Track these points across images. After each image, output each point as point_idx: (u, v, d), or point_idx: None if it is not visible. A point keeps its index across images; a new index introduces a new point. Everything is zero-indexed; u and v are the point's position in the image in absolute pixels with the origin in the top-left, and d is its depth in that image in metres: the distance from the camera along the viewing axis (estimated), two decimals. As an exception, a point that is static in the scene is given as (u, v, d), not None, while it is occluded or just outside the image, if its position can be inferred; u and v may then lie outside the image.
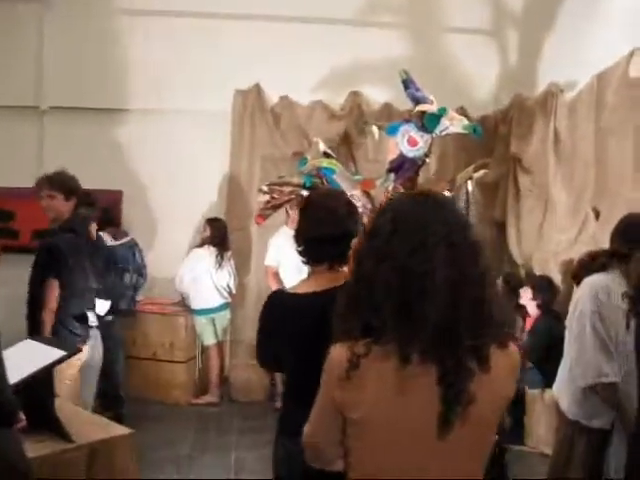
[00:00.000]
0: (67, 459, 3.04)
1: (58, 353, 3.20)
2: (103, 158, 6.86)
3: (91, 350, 4.57)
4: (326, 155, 5.09)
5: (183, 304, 6.58)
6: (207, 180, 6.98)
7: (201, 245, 6.41)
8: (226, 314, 6.59)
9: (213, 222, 6.46)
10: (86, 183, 6.67)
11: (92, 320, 4.57)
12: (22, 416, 2.61)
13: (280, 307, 2.61)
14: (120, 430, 3.32)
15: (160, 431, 5.70)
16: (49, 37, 6.90)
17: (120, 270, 5.83)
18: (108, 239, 5.89)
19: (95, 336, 4.64)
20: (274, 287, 5.40)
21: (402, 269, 1.62)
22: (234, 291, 6.59)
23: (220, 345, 6.64)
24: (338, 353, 1.66)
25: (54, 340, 3.64)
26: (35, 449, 2.99)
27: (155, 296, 6.74)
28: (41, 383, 3.14)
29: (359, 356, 1.61)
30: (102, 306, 5.04)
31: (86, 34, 6.90)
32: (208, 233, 6.39)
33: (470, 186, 5.00)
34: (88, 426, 3.32)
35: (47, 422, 3.17)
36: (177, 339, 6.48)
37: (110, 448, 3.19)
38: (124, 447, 3.25)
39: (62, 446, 3.05)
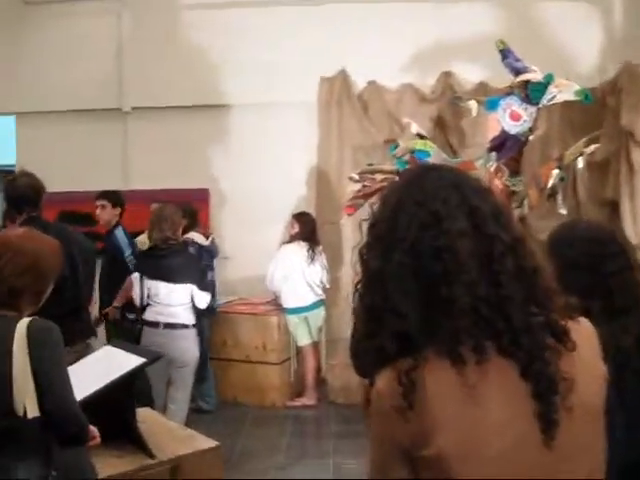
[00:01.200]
0: (148, 476, 2.80)
1: (137, 360, 2.97)
2: (188, 156, 6.74)
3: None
4: (419, 137, 4.70)
5: (275, 303, 6.33)
6: (295, 173, 6.72)
7: (290, 241, 6.14)
8: (320, 312, 6.29)
9: (300, 217, 6.19)
10: (172, 182, 6.63)
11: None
12: (95, 432, 2.38)
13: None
14: (205, 443, 3.06)
15: (256, 436, 5.53)
16: (128, 36, 6.83)
17: (204, 268, 5.68)
18: (200, 239, 5.78)
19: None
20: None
21: (415, 251, 1.26)
22: (328, 286, 6.28)
23: (315, 345, 6.35)
24: (383, 382, 1.26)
25: (134, 347, 3.43)
26: (114, 465, 2.78)
27: (246, 295, 6.52)
28: (121, 393, 2.92)
29: (408, 371, 1.22)
30: (203, 298, 4.97)
31: (165, 31, 6.79)
32: (296, 229, 6.13)
33: (581, 163, 4.49)
34: (171, 439, 3.09)
35: (127, 435, 2.96)
36: (270, 340, 6.23)
37: (195, 463, 2.94)
38: (209, 461, 3.00)
39: (143, 462, 2.83)
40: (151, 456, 2.85)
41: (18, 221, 3.92)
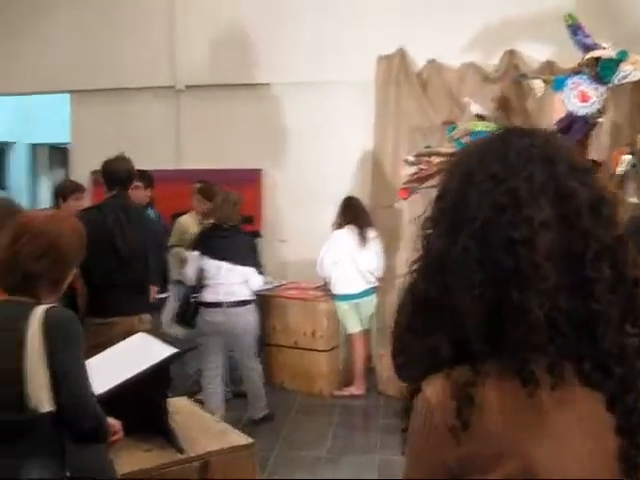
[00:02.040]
0: (177, 472, 2.66)
1: (170, 351, 2.82)
2: (241, 136, 6.60)
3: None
4: (480, 118, 4.42)
5: (325, 289, 6.14)
6: (350, 155, 6.52)
7: (340, 226, 5.93)
8: (372, 300, 6.07)
9: (347, 201, 5.96)
10: (224, 162, 6.51)
11: None
12: (117, 427, 2.23)
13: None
14: (239, 439, 2.90)
15: (301, 424, 5.41)
16: (181, 14, 6.69)
17: None
18: None
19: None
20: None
21: (484, 236, 1.01)
22: (380, 274, 6.06)
23: (366, 333, 6.14)
24: (434, 392, 1.04)
25: (167, 335, 3.30)
26: (141, 459, 2.65)
27: (297, 280, 6.36)
28: (152, 383, 2.78)
29: (466, 385, 1.00)
30: (258, 282, 5.11)
31: (219, 7, 6.62)
32: (343, 213, 5.91)
33: (655, 149, 4.16)
34: (204, 433, 2.94)
35: (157, 427, 2.83)
36: (319, 327, 6.06)
37: (226, 460, 2.78)
38: (242, 459, 2.84)
39: (171, 457, 2.69)
40: (180, 451, 2.71)
41: (107, 195, 4.33)
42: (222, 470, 2.77)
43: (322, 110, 6.42)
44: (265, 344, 5.98)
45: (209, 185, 5.82)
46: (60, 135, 7.82)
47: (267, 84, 6.62)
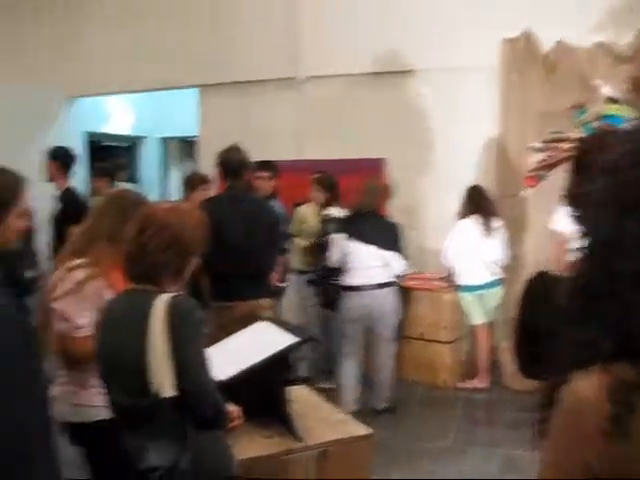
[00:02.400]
0: (295, 459, 2.70)
1: (290, 339, 2.85)
2: (363, 125, 6.58)
3: None
4: (611, 100, 4.18)
5: (450, 279, 6.04)
6: (475, 142, 6.34)
7: (464, 216, 5.80)
8: (497, 291, 5.91)
9: (472, 190, 5.82)
10: (347, 152, 6.52)
11: None
12: (236, 414, 2.29)
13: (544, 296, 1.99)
14: (358, 429, 2.90)
15: (424, 415, 5.39)
16: (302, 5, 6.74)
17: None
18: (340, 214, 5.58)
19: None
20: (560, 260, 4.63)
21: None
22: (505, 264, 5.89)
23: (490, 325, 6.00)
24: (589, 388, 0.95)
25: (288, 324, 3.33)
26: (261, 446, 2.71)
27: (421, 270, 6.28)
28: (273, 371, 2.83)
29: (629, 388, 0.91)
30: (401, 265, 5.18)
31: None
32: (468, 202, 5.77)
33: None
34: (322, 422, 2.96)
35: (277, 415, 2.88)
36: (443, 317, 5.98)
37: (344, 450, 2.79)
38: (360, 449, 2.84)
39: (291, 445, 2.73)
40: (299, 439, 2.74)
41: (224, 185, 4.48)
42: (340, 460, 2.78)
43: (445, 97, 6.29)
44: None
45: (327, 175, 5.85)
46: (189, 129, 8.09)
47: (389, 72, 6.55)
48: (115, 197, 2.85)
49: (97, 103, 8.56)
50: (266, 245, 4.46)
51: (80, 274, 2.61)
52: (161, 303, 2.03)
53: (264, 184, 5.56)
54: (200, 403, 2.04)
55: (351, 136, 6.59)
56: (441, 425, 5.12)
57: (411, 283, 6.02)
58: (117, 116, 9.18)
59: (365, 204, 5.19)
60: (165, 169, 10.11)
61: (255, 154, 6.07)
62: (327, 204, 5.70)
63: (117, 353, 2.10)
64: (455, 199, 5.85)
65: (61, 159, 5.71)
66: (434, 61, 6.26)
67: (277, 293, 5.09)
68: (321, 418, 3.00)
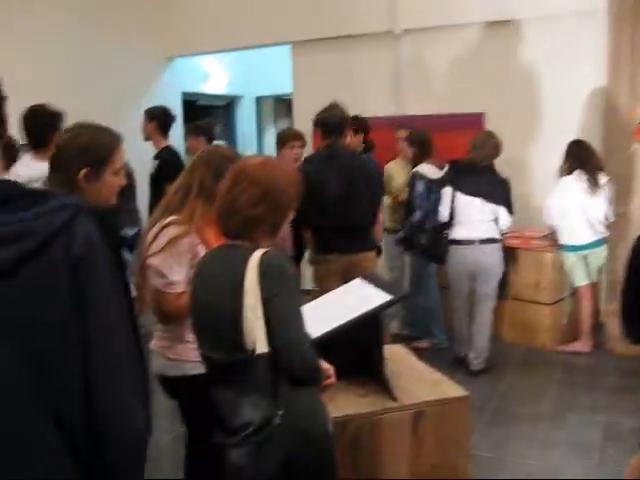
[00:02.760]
0: (390, 419, 2.66)
1: (385, 297, 2.78)
2: (462, 79, 6.37)
3: None
4: None
5: (552, 238, 5.80)
6: (579, 94, 6.02)
7: (568, 172, 5.52)
8: (602, 251, 5.64)
9: (576, 145, 5.52)
10: (445, 107, 6.33)
11: None
12: (330, 371, 2.25)
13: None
14: (453, 390, 2.83)
15: (521, 379, 5.23)
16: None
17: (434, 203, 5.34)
18: (431, 171, 5.41)
19: None
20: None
21: None
22: (611, 223, 5.60)
23: (594, 286, 5.75)
24: None
25: (383, 281, 3.26)
26: (356, 404, 2.69)
27: (521, 228, 6.07)
28: (368, 330, 2.78)
29: None
30: (507, 220, 5.15)
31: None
32: (571, 158, 5.49)
33: None
34: (417, 382, 2.90)
35: (372, 373, 2.84)
36: (544, 278, 5.77)
37: (440, 411, 2.73)
38: (456, 411, 2.77)
39: (386, 404, 2.69)
40: (394, 399, 2.70)
41: (322, 144, 4.61)
42: (435, 421, 2.72)
43: (548, 46, 5.98)
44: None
45: (418, 131, 5.71)
46: (284, 87, 8.06)
47: (489, 23, 6.27)
48: (207, 153, 2.84)
49: (193, 63, 8.63)
50: (366, 199, 4.57)
51: (174, 231, 2.63)
52: (254, 259, 2.01)
53: (353, 140, 5.45)
54: (292, 360, 2.00)
55: (450, 90, 6.39)
56: (540, 389, 4.97)
57: (511, 241, 5.80)
58: (213, 76, 9.24)
59: (475, 158, 5.13)
60: (260, 128, 10.15)
61: (351, 111, 6.01)
62: (417, 161, 5.55)
63: (212, 309, 2.10)
64: (558, 154, 5.59)
65: (159, 119, 5.80)
66: (536, 9, 5.95)
67: (378, 248, 5.08)
68: (416, 378, 2.95)
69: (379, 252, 5.17)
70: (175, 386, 2.73)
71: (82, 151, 2.29)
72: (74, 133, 2.37)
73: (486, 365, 5.25)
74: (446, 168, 5.33)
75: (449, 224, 5.17)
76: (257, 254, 2.03)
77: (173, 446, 3.94)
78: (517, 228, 5.95)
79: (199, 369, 2.55)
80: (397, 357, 3.18)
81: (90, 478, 1.23)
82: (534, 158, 6.21)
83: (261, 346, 1.98)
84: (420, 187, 5.30)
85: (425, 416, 2.70)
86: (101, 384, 1.24)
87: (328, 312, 2.73)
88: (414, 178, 5.37)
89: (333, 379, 2.27)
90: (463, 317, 5.33)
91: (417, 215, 5.31)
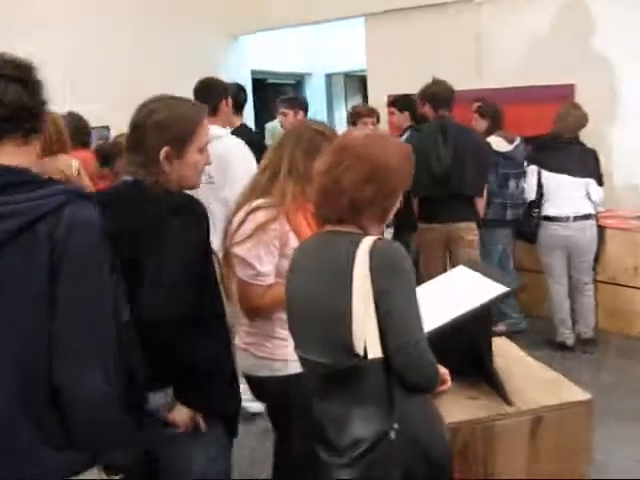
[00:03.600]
0: (505, 425, 2.35)
1: (497, 288, 2.45)
2: (550, 48, 5.92)
3: None
4: None
5: (648, 218, 5.38)
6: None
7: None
8: None
9: None
10: (531, 79, 5.91)
11: None
12: (446, 375, 1.96)
13: None
14: (574, 394, 2.49)
15: (618, 369, 4.83)
16: None
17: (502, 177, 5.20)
18: (500, 144, 5.19)
19: None
20: None
21: None
22: None
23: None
24: None
25: (488, 269, 2.92)
26: (465, 408, 2.37)
27: (615, 207, 5.63)
28: (478, 324, 2.46)
29: None
30: (598, 193, 4.98)
31: None
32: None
33: None
34: (532, 382, 2.57)
35: (482, 372, 2.53)
36: (640, 261, 5.34)
37: (560, 416, 2.40)
38: (578, 415, 2.43)
39: (498, 408, 2.37)
40: (508, 402, 2.38)
41: (432, 118, 4.81)
42: (555, 427, 2.39)
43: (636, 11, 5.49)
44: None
45: (489, 104, 5.43)
46: (354, 63, 7.80)
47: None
48: (297, 128, 2.54)
49: (261, 40, 8.38)
50: (474, 170, 4.71)
51: (261, 216, 2.35)
52: (364, 248, 1.72)
53: (399, 118, 5.43)
54: (411, 364, 1.71)
55: (536, 61, 5.96)
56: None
57: (605, 221, 5.39)
58: (282, 54, 8.99)
59: (559, 130, 4.96)
60: (330, 106, 9.88)
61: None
62: (488, 134, 5.26)
63: (313, 306, 1.82)
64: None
65: (233, 96, 5.58)
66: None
67: (480, 220, 5.03)
68: (528, 376, 2.61)
69: (480, 225, 5.05)
70: (263, 387, 2.49)
71: (161, 128, 2.01)
72: (150, 108, 2.06)
73: (592, 337, 5.19)
74: (517, 141, 5.22)
75: (539, 202, 5.01)
76: (367, 242, 1.74)
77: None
78: (612, 207, 5.55)
79: (290, 369, 2.31)
80: (502, 351, 2.86)
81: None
82: (629, 131, 5.74)
83: (374, 349, 1.71)
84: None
85: (544, 422, 2.38)
86: (56, 347, 1.42)
87: (435, 304, 2.41)
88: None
89: (449, 383, 1.98)
90: (562, 297, 5.13)
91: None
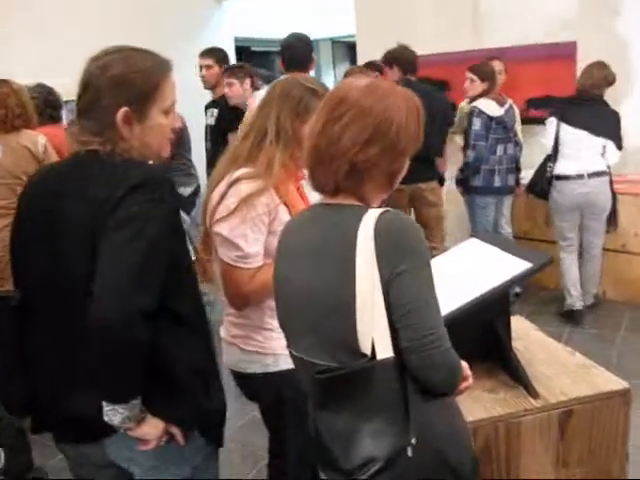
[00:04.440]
0: (531, 421, 2.05)
1: (520, 265, 2.11)
2: (548, 4, 5.55)
3: None
4: None
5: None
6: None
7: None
8: None
9: None
10: (530, 37, 5.57)
11: None
12: (467, 371, 1.63)
13: None
14: (608, 382, 2.18)
15: (631, 342, 4.56)
16: None
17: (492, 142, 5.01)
18: (489, 107, 4.96)
19: None
20: None
21: None
22: None
23: None
24: None
25: (505, 240, 2.59)
26: (485, 403, 2.08)
27: (626, 172, 5.32)
28: (495, 305, 2.14)
29: None
30: (614, 155, 4.79)
31: None
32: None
33: None
34: (557, 368, 2.27)
35: (500, 359, 2.23)
36: (653, 227, 5.05)
37: (593, 408, 2.11)
38: (613, 407, 2.13)
39: (524, 403, 2.07)
40: (535, 396, 2.08)
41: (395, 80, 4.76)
42: (587, 421, 2.10)
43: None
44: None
45: (482, 64, 5.13)
46: (341, 29, 7.48)
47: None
48: (283, 84, 2.15)
49: (245, 5, 7.98)
50: (435, 130, 4.66)
51: (246, 187, 2.01)
52: (368, 222, 1.40)
53: (389, 73, 5.19)
54: (430, 365, 1.40)
55: (534, 18, 5.62)
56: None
57: (615, 186, 5.05)
58: (266, 20, 8.59)
59: (586, 88, 4.76)
60: (319, 73, 9.52)
61: (431, 47, 5.50)
62: (482, 96, 4.99)
63: (307, 294, 1.50)
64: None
65: (225, 63, 5.24)
66: None
67: (441, 179, 5.25)
68: (553, 362, 2.31)
69: (442, 183, 5.27)
70: (253, 385, 2.17)
71: (117, 84, 1.63)
72: (104, 61, 1.65)
73: (594, 301, 5.12)
74: (507, 105, 5.04)
75: (554, 157, 4.79)
76: (371, 215, 1.41)
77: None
78: (622, 171, 5.24)
79: (283, 364, 2.00)
80: (520, 333, 2.55)
81: None
82: (631, 95, 5.41)
83: (383, 348, 1.39)
84: (477, 125, 4.89)
85: (575, 416, 2.08)
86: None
87: (448, 283, 2.07)
88: (472, 115, 4.94)
89: (470, 380, 1.66)
90: (571, 262, 4.94)
91: (470, 155, 4.94)
